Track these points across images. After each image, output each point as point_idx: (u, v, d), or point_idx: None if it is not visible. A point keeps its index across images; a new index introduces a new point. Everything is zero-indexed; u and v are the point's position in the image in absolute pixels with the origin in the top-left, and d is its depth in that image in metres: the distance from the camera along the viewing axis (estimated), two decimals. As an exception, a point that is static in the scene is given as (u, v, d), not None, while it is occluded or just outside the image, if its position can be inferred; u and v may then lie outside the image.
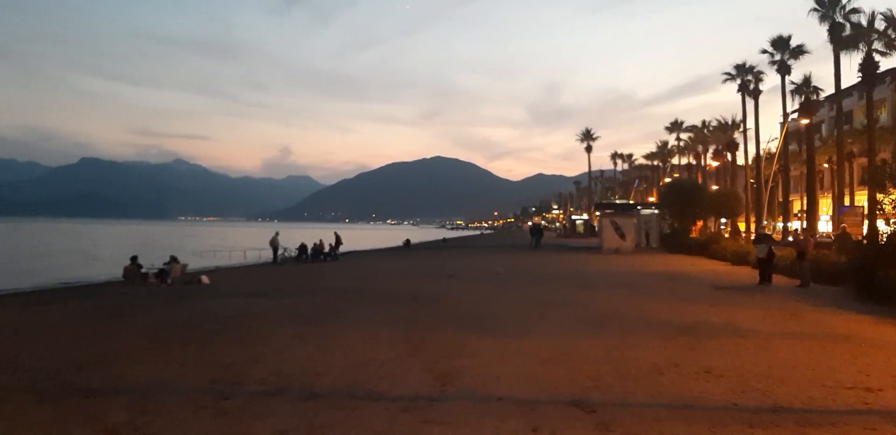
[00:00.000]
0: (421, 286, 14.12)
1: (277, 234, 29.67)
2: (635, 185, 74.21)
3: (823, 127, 44.74)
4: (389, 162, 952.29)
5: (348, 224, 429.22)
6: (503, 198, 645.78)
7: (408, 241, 49.90)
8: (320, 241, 31.25)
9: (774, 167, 35.43)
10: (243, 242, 64.34)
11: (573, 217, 71.96)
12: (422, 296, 12.07)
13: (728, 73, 39.92)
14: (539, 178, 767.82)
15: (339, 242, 32.10)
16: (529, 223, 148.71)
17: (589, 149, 73.91)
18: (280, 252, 28.97)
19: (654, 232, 35.84)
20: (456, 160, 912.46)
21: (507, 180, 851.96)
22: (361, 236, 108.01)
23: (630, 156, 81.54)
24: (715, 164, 48.63)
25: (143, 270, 18.96)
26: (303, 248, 29.74)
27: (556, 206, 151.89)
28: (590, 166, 77.08)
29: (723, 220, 43.70)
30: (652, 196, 65.15)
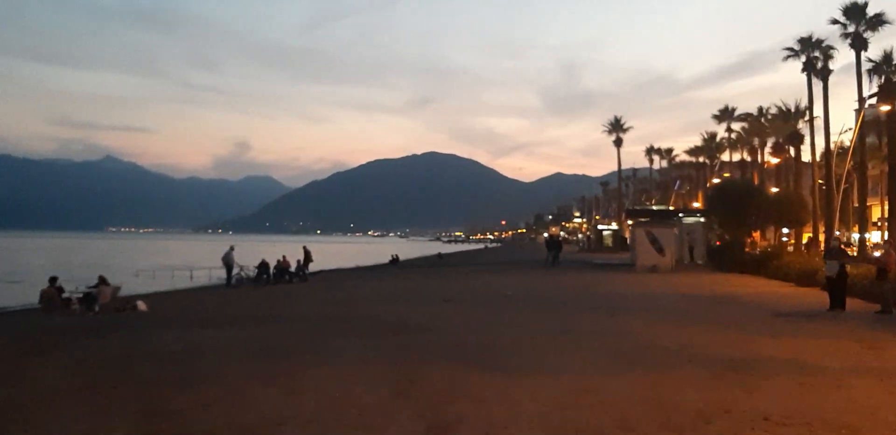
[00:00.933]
0: (411, 313, 14.12)
1: (232, 248, 29.67)
2: (676, 187, 74.57)
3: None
4: (371, 159, 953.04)
5: (320, 236, 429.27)
6: (512, 203, 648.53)
7: (395, 257, 49.95)
8: (284, 257, 31.25)
9: (848, 165, 35.67)
10: (190, 259, 64.30)
11: (599, 227, 72.15)
12: (412, 324, 12.08)
13: (790, 49, 40.19)
14: (556, 179, 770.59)
15: (308, 258, 32.10)
16: (545, 235, 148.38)
17: (618, 142, 74.32)
18: (235, 272, 28.99)
19: (700, 245, 35.95)
20: (453, 157, 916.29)
21: (517, 181, 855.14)
22: (337, 251, 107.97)
23: (669, 151, 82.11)
24: (774, 160, 48.93)
25: (65, 295, 18.93)
26: (264, 266, 29.76)
27: (577, 214, 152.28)
28: (619, 164, 77.43)
29: (784, 230, 43.88)
30: (697, 201, 65.41)
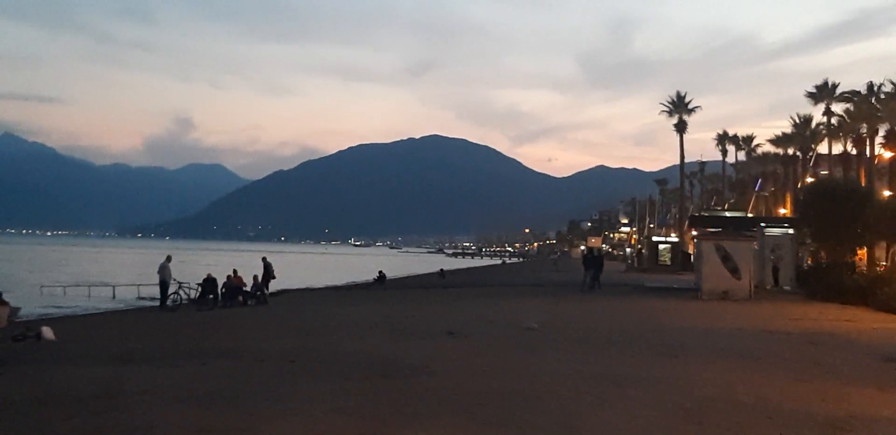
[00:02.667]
0: (402, 349, 14.14)
1: (169, 259, 29.79)
2: (757, 188, 74.43)
3: None
4: (353, 144, 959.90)
5: (285, 245, 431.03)
6: (539, 205, 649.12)
7: (381, 274, 50.02)
8: (236, 272, 31.42)
9: None
10: (113, 271, 64.51)
11: (654, 239, 72.11)
12: (404, 364, 12.10)
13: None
14: (598, 174, 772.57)
15: (269, 273, 32.18)
16: (582, 248, 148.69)
17: (681, 127, 74.45)
18: (173, 290, 29.08)
19: (788, 265, 35.89)
20: (462, 143, 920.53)
21: (546, 176, 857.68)
22: (307, 265, 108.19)
23: (749, 139, 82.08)
24: (888, 155, 48.84)
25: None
26: (209, 283, 29.85)
27: (625, 221, 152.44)
28: (682, 155, 77.46)
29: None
30: (784, 206, 65.32)
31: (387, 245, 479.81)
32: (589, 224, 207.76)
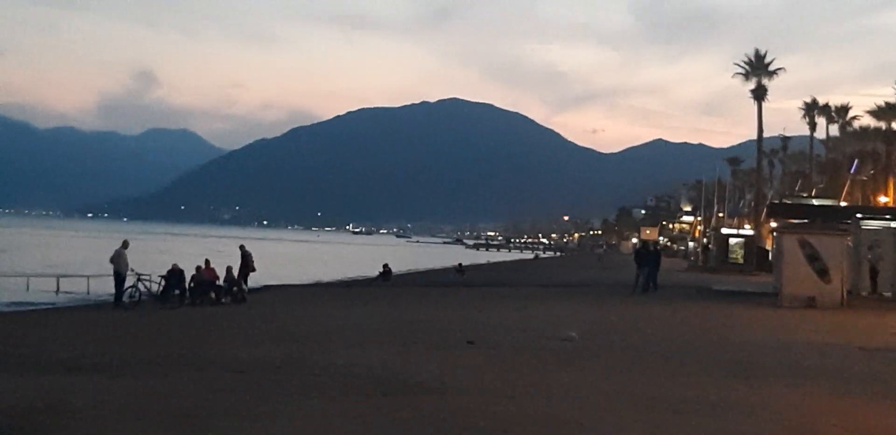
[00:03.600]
0: (412, 361, 14.15)
1: (125, 246, 29.92)
2: (852, 170, 73.87)
3: None
4: (354, 108, 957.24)
5: (269, 230, 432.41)
6: (582, 187, 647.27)
7: (386, 268, 50.07)
8: (208, 262, 31.48)
9: None
10: (57, 259, 64.86)
11: (724, 231, 71.81)
12: (413, 380, 12.12)
13: None
14: (655, 150, 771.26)
15: (248, 265, 32.25)
16: (635, 241, 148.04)
17: (759, 93, 73.89)
18: (130, 284, 29.18)
19: (889, 266, 35.57)
20: (488, 108, 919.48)
21: (591, 151, 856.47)
22: (295, 256, 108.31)
23: (844, 110, 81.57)
24: None
25: None
26: (175, 276, 29.95)
27: (687, 208, 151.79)
28: (760, 129, 76.83)
29: None
30: (886, 193, 64.81)
31: (393, 233, 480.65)
32: (643, 212, 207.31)
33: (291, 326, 20.42)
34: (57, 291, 38.40)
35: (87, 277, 39.49)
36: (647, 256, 36.77)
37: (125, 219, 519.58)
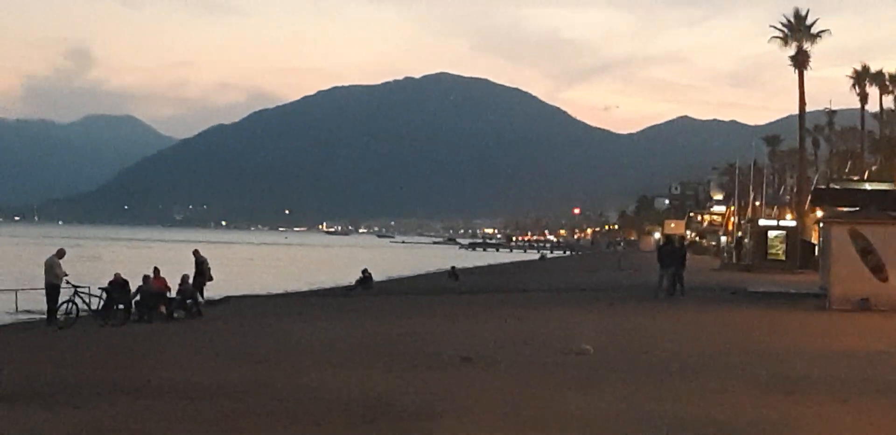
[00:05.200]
0: (395, 383, 14.14)
1: (60, 254, 29.80)
2: (911, 149, 74.03)
3: None
4: (325, 86, 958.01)
5: (228, 232, 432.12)
6: (594, 174, 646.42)
7: (366, 274, 50.04)
8: (157, 271, 31.42)
9: None
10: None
11: (761, 222, 71.81)
12: (398, 406, 12.11)
13: None
14: (680, 129, 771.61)
15: (203, 273, 32.20)
16: (657, 236, 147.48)
17: (800, 60, 74.01)
18: (66, 299, 29.06)
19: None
20: (482, 84, 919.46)
21: (605, 132, 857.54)
22: (260, 261, 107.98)
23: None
24: None
25: None
26: (118, 288, 29.84)
27: (718, 196, 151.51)
28: (802, 102, 77.08)
29: None
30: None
31: (374, 232, 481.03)
32: (667, 202, 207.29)
33: (256, 344, 20.36)
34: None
35: (15, 291, 39.38)
36: (672, 253, 36.60)
37: (60, 222, 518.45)
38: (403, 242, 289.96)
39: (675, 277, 35.21)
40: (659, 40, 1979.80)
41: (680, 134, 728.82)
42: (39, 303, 30.90)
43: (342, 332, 23.61)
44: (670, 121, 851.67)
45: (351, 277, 52.08)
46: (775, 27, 74.82)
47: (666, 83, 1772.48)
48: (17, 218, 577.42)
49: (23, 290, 38.40)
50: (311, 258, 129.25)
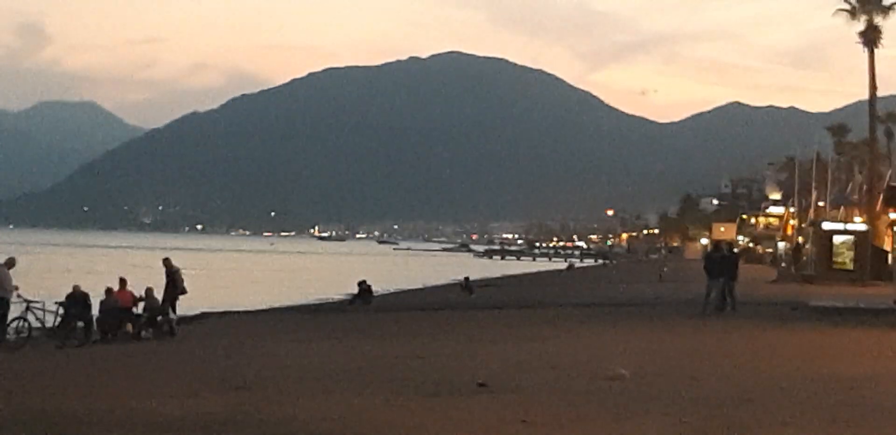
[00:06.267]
0: (398, 415, 14.16)
1: (10, 264, 29.79)
2: None
3: None
4: (317, 68, 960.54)
5: (204, 237, 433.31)
6: (630, 170, 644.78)
7: (365, 286, 50.08)
8: (124, 282, 31.55)
9: None
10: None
11: (825, 225, 71.74)
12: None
13: None
14: (730, 117, 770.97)
15: (175, 285, 32.19)
16: (703, 242, 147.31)
17: (871, 37, 73.89)
18: (17, 316, 29.12)
19: None
20: (500, 64, 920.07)
21: (642, 120, 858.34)
22: (242, 272, 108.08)
23: None
24: None
25: None
26: (77, 302, 29.91)
27: (776, 196, 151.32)
28: (873, 85, 76.98)
29: None
30: None
31: (374, 238, 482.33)
32: (715, 202, 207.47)
33: (237, 369, 20.38)
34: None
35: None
36: (722, 262, 36.59)
37: (10, 226, 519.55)
38: (408, 249, 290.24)
39: (724, 290, 35.26)
40: (706, 13, 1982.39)
41: (730, 123, 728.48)
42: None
43: (336, 354, 23.64)
44: (719, 108, 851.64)
45: (347, 290, 52.21)
46: (838, 2, 74.71)
47: (714, 63, 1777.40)
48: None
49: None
50: (301, 268, 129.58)
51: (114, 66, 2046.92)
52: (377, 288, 52.94)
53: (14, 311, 29.24)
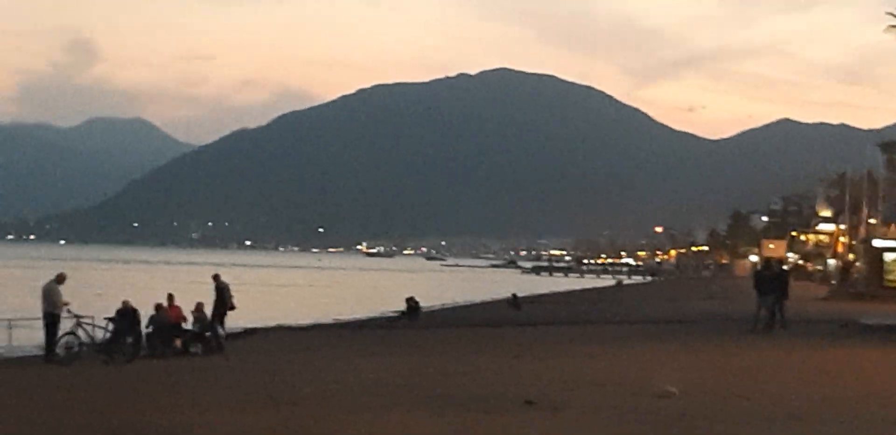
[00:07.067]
0: (445, 431, 14.21)
1: (60, 279, 29.96)
2: None
3: None
4: (366, 84, 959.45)
5: (252, 253, 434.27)
6: (679, 186, 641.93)
7: (412, 303, 50.09)
8: (172, 299, 31.64)
9: None
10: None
11: (877, 243, 71.19)
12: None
13: None
14: (780, 134, 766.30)
15: (224, 301, 32.30)
16: (753, 260, 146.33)
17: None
18: (67, 331, 29.22)
19: None
20: (549, 81, 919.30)
21: (691, 136, 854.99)
22: (289, 288, 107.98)
23: None
24: None
25: None
26: (127, 318, 30.02)
27: (826, 213, 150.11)
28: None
29: None
30: None
31: (422, 254, 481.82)
32: (765, 219, 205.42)
33: (284, 385, 20.40)
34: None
35: (8, 321, 39.72)
36: (772, 279, 36.52)
37: (61, 241, 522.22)
38: (456, 266, 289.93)
39: (774, 308, 35.17)
40: (754, 29, 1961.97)
41: (780, 139, 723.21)
42: (36, 335, 31.08)
43: (383, 370, 23.60)
44: (768, 124, 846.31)
45: (395, 307, 52.19)
46: (892, 14, 74.31)
47: (763, 79, 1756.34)
48: (9, 236, 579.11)
49: (17, 320, 38.75)
50: (349, 284, 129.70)
51: (163, 82, 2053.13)
52: (425, 304, 52.98)
53: (64, 326, 29.41)
